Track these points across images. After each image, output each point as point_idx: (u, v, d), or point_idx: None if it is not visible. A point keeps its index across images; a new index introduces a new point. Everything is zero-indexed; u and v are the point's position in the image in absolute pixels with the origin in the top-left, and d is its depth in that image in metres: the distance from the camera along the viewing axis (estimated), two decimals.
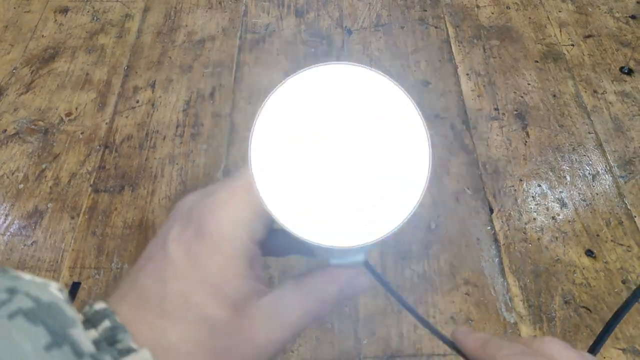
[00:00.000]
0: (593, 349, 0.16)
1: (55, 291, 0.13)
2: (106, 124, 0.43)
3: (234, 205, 0.15)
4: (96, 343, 0.13)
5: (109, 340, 0.13)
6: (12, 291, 0.12)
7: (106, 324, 0.13)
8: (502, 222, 0.37)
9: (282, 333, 0.14)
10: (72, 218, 0.37)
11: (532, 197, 0.38)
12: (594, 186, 0.39)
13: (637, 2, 0.52)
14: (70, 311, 0.13)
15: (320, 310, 0.15)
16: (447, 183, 0.39)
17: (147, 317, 0.14)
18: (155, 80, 0.46)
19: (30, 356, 0.12)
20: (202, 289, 0.14)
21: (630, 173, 0.40)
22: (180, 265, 0.14)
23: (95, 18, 0.51)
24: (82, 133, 0.42)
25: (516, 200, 0.38)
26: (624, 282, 0.34)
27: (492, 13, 0.51)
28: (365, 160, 0.14)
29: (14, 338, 0.12)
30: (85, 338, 0.13)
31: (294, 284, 0.15)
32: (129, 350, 0.13)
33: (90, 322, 0.14)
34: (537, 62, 0.47)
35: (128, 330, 0.13)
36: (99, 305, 0.14)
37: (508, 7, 0.52)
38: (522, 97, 0.45)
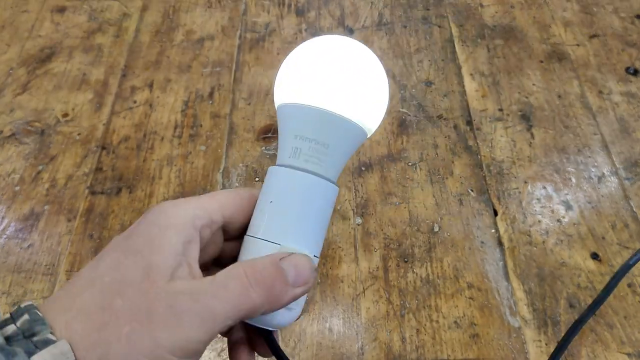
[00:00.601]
0: None
1: None
2: (103, 124, 0.42)
3: (185, 200, 0.17)
4: (12, 337, 0.13)
5: (27, 333, 0.13)
6: None
7: (25, 317, 0.14)
8: (506, 224, 0.36)
9: (188, 303, 0.14)
10: (69, 221, 0.37)
11: (537, 199, 0.38)
12: (599, 188, 0.39)
13: None
14: None
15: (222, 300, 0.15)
16: (450, 185, 0.38)
17: (63, 297, 0.15)
18: (153, 81, 0.45)
19: None
20: (127, 251, 0.15)
21: (636, 175, 0.39)
22: (113, 245, 0.16)
23: (92, 17, 0.50)
24: (78, 134, 0.42)
25: (521, 202, 0.38)
26: (629, 285, 0.34)
27: (496, 12, 0.51)
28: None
29: None
30: None
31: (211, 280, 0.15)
32: (46, 342, 0.13)
33: (12, 318, 0.14)
34: (542, 62, 0.47)
35: (47, 322, 0.14)
36: (25, 303, 0.14)
37: (512, 6, 0.51)
38: (526, 97, 0.44)
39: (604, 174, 0.39)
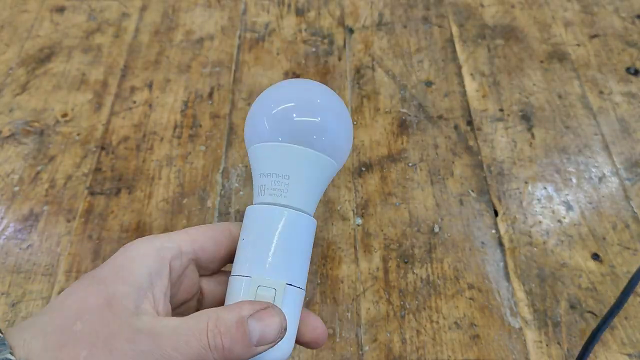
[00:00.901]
0: None
1: None
2: (102, 125, 0.42)
3: (155, 235, 0.17)
4: None
5: None
6: None
7: None
8: (507, 225, 0.36)
9: (148, 345, 0.14)
10: (68, 221, 0.36)
11: (538, 199, 0.38)
12: (600, 189, 0.38)
13: None
14: None
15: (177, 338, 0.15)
16: (450, 185, 0.38)
17: (26, 322, 0.15)
18: (152, 81, 0.45)
19: None
20: (91, 281, 0.15)
21: (636, 175, 0.39)
22: (87, 275, 0.16)
23: (91, 17, 0.50)
24: (78, 134, 0.42)
25: (521, 203, 0.38)
26: None
27: (497, 12, 0.50)
28: None
29: None
30: None
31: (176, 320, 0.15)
32: None
33: None
34: (543, 62, 0.46)
35: (6, 343, 0.14)
36: None
37: (513, 6, 0.51)
38: (527, 97, 0.44)
39: (604, 174, 0.39)
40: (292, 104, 0.19)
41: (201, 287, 0.19)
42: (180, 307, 0.18)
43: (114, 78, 0.45)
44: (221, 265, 0.19)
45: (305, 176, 0.19)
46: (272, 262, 0.17)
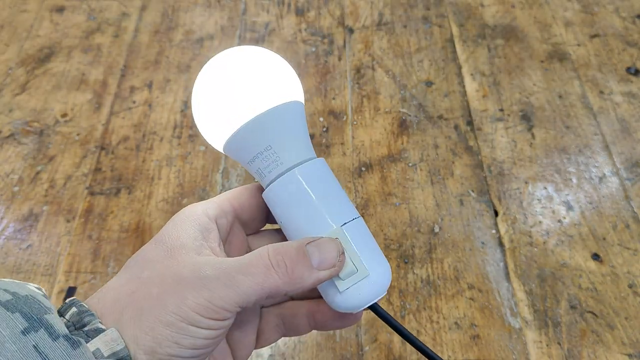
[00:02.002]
0: None
1: (33, 288, 0.15)
2: (102, 125, 0.42)
3: (196, 203, 0.18)
4: (67, 328, 0.14)
5: (77, 324, 0.14)
6: None
7: (73, 310, 0.15)
8: (507, 225, 0.36)
9: (213, 271, 0.15)
10: (68, 221, 0.36)
11: (538, 199, 0.38)
12: (600, 189, 0.38)
13: None
14: (47, 302, 0.14)
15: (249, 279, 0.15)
16: (451, 185, 0.38)
17: (101, 290, 0.16)
18: (152, 81, 0.45)
19: (7, 340, 0.12)
20: (149, 245, 0.17)
21: (637, 175, 0.39)
22: (145, 245, 0.17)
23: (91, 17, 0.50)
24: (77, 134, 0.42)
25: (521, 203, 0.38)
26: (630, 286, 0.34)
27: (497, 12, 0.50)
28: None
29: None
30: (60, 322, 0.14)
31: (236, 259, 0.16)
32: (97, 331, 0.14)
33: (59, 312, 0.15)
34: (543, 62, 0.46)
35: (95, 313, 0.15)
36: (69, 299, 0.15)
37: (513, 6, 0.51)
38: (527, 97, 0.44)
39: (604, 174, 0.39)
40: (221, 99, 0.18)
41: (249, 246, 0.20)
42: None
43: (113, 78, 0.45)
44: (263, 222, 0.20)
45: (282, 135, 0.18)
46: (317, 220, 0.17)
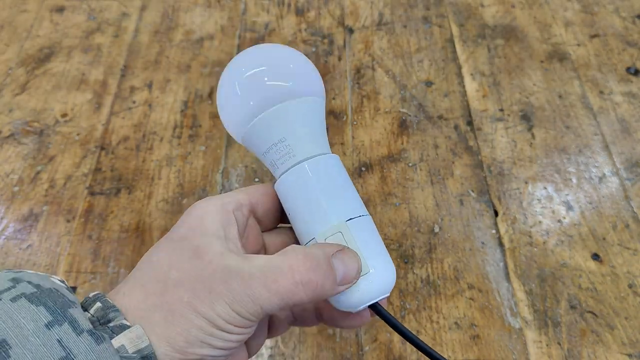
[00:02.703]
0: None
1: (57, 280, 0.15)
2: (102, 125, 0.42)
3: (209, 197, 0.18)
4: (91, 323, 0.14)
5: (102, 320, 0.14)
6: (16, 280, 0.14)
7: (97, 305, 0.15)
8: (507, 225, 0.36)
9: (240, 283, 0.15)
10: (68, 221, 0.36)
11: (538, 199, 0.38)
12: (600, 189, 0.38)
13: None
14: (71, 295, 0.14)
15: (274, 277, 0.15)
16: (450, 185, 0.38)
17: (117, 287, 0.16)
18: (152, 81, 0.45)
19: (31, 334, 0.12)
20: (170, 241, 0.16)
21: (637, 175, 0.39)
22: (162, 239, 0.17)
23: (91, 17, 0.50)
24: (77, 134, 0.42)
25: (521, 203, 0.38)
26: (630, 286, 0.34)
27: (497, 12, 0.50)
28: None
29: (18, 318, 0.12)
30: (84, 317, 0.14)
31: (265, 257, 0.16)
32: (122, 327, 0.14)
33: (83, 307, 0.15)
34: (543, 62, 0.46)
35: (119, 309, 0.14)
36: (93, 293, 0.15)
37: (513, 6, 0.51)
38: (527, 97, 0.44)
39: (604, 174, 0.39)
40: (247, 84, 0.19)
41: (264, 242, 0.20)
42: None
43: (113, 78, 0.45)
44: (278, 220, 0.20)
45: (296, 128, 0.18)
46: (321, 213, 0.17)
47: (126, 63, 0.46)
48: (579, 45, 0.48)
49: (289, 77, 0.19)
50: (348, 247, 0.17)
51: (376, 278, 0.17)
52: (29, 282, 0.14)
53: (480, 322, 0.32)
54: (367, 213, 0.18)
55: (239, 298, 0.15)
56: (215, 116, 0.43)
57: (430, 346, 0.31)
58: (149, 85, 0.45)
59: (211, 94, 0.44)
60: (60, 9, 0.51)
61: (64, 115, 0.43)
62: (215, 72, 0.46)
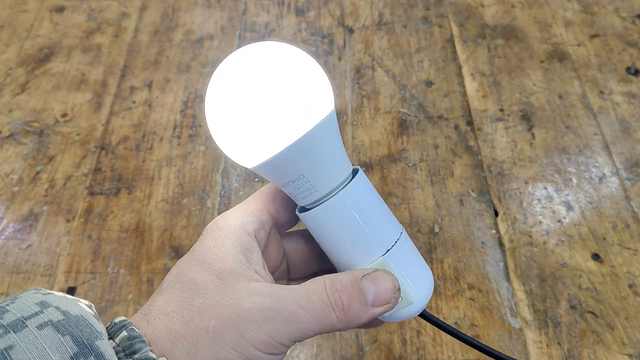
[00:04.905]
0: None
1: (84, 306, 0.14)
2: (102, 125, 0.42)
3: (232, 210, 0.17)
4: (116, 353, 0.14)
5: (127, 350, 0.14)
6: (43, 304, 0.13)
7: (123, 334, 0.14)
8: (507, 225, 0.36)
9: (272, 302, 0.14)
10: (68, 221, 0.36)
11: (538, 199, 0.38)
12: (600, 189, 0.38)
13: None
14: (98, 324, 0.14)
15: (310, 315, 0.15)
16: (450, 185, 0.38)
17: (140, 311, 0.15)
18: (152, 81, 0.45)
19: None
20: (191, 264, 0.16)
21: (637, 175, 0.39)
22: (183, 261, 0.16)
23: (91, 17, 0.50)
24: (77, 134, 0.42)
25: (521, 203, 0.38)
26: (630, 286, 0.34)
27: (497, 12, 0.50)
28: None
29: (43, 348, 0.12)
30: (111, 350, 0.13)
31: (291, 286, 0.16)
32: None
33: (109, 333, 0.14)
34: (543, 62, 0.46)
35: (146, 340, 0.14)
36: (119, 319, 0.15)
37: (513, 6, 0.51)
38: (527, 97, 0.44)
39: (604, 174, 0.39)
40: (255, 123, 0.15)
41: (285, 250, 0.19)
42: (274, 274, 0.18)
43: (113, 78, 0.45)
44: (296, 218, 0.19)
45: (315, 162, 0.16)
46: (357, 253, 0.17)
47: (126, 63, 0.46)
48: (579, 45, 0.48)
49: (301, 99, 0.15)
50: (384, 270, 0.16)
51: (419, 304, 0.17)
52: (57, 308, 0.13)
53: (480, 322, 0.32)
54: (401, 229, 0.18)
55: (273, 319, 0.14)
56: None
57: (430, 347, 0.31)
58: (149, 85, 0.45)
59: None
60: (60, 9, 0.51)
61: (64, 115, 0.43)
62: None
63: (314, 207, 0.17)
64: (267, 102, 0.15)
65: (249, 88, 0.15)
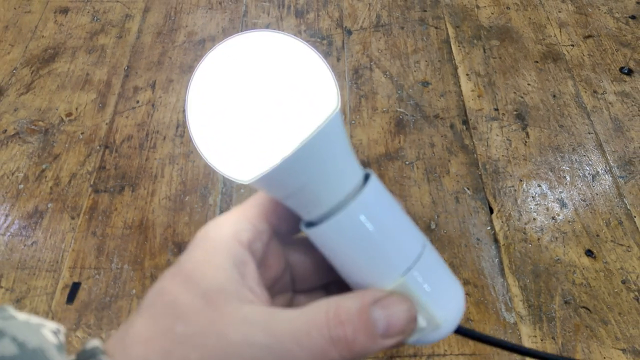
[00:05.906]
0: None
1: (48, 334, 0.12)
2: (106, 124, 0.43)
3: (226, 215, 0.15)
4: None
5: None
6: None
7: None
8: (502, 222, 0.37)
9: (264, 337, 0.12)
10: (72, 218, 0.37)
11: (532, 197, 0.38)
12: (593, 186, 0.39)
13: (637, 3, 0.52)
14: (57, 358, 0.12)
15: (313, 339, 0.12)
16: (447, 183, 0.39)
17: (117, 332, 0.13)
18: (155, 81, 0.46)
19: None
20: (175, 280, 0.13)
21: (630, 173, 0.40)
22: (168, 274, 0.14)
23: (95, 18, 0.51)
24: (82, 133, 0.42)
25: (516, 200, 0.38)
26: (623, 282, 0.34)
27: (492, 13, 0.51)
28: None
29: None
30: None
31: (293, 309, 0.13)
32: None
33: None
34: (537, 62, 0.47)
35: None
36: (91, 344, 0.13)
37: (508, 8, 0.52)
38: (522, 97, 0.45)
39: (598, 172, 0.40)
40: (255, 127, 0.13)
41: (287, 258, 0.16)
42: (274, 287, 0.16)
43: (117, 78, 0.46)
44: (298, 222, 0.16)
45: (318, 171, 0.13)
46: (374, 275, 0.14)
47: (130, 63, 0.47)
48: (573, 45, 0.48)
49: (303, 101, 0.13)
50: (400, 294, 0.14)
51: (447, 328, 0.14)
52: (13, 339, 0.11)
53: (475, 317, 0.33)
54: (424, 242, 0.15)
55: (263, 357, 0.12)
56: None
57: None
58: (152, 86, 0.46)
59: None
60: (65, 10, 0.52)
61: (69, 114, 0.44)
62: None
63: (322, 222, 0.14)
64: (258, 103, 0.13)
65: (235, 88, 0.13)
